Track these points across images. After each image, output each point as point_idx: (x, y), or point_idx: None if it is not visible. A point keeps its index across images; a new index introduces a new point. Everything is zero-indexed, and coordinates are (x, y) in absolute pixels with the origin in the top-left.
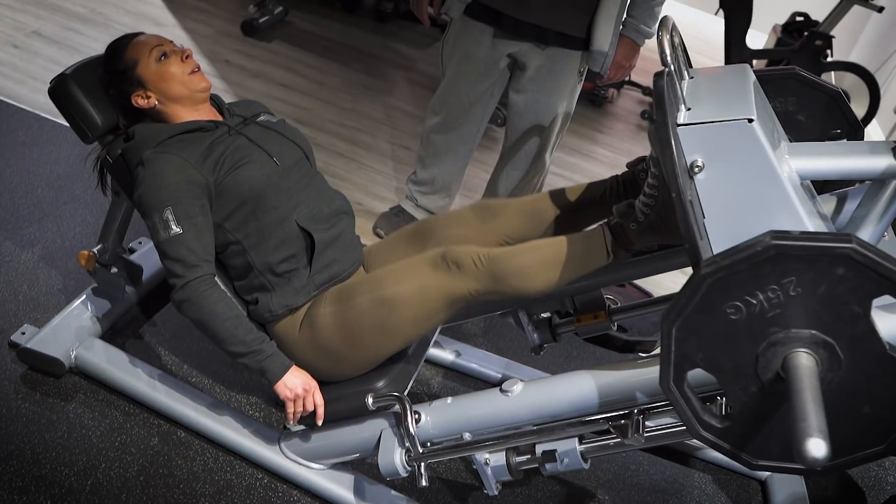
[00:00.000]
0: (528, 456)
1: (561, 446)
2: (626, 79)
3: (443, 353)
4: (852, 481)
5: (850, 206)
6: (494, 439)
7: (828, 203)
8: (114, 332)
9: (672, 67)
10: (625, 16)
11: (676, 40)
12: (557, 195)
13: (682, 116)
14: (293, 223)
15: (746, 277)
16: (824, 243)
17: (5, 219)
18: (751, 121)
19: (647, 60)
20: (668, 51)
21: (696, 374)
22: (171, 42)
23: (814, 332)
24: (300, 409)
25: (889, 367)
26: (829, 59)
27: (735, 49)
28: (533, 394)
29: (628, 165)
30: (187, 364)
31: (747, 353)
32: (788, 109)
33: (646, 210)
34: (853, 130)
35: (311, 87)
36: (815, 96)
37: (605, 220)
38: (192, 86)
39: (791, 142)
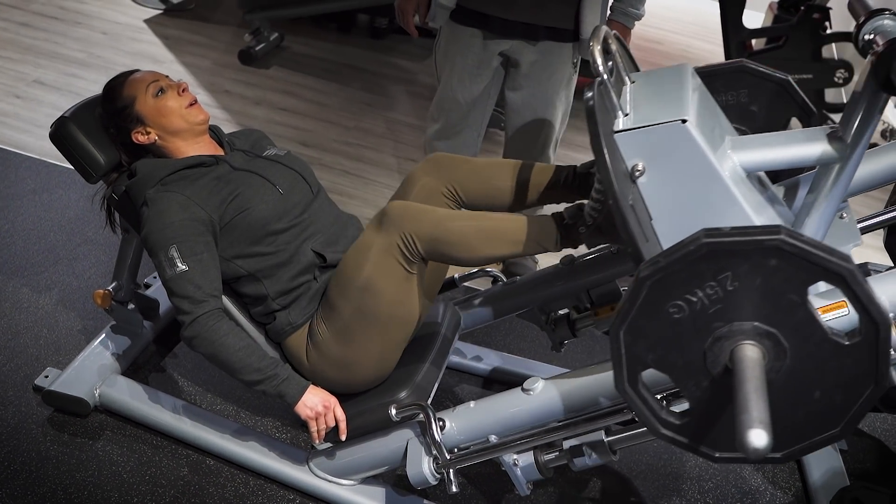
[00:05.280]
0: (556, 453)
1: (588, 440)
2: None
3: (463, 359)
4: (890, 452)
5: (802, 192)
6: (521, 439)
7: (783, 191)
8: (135, 368)
9: (605, 77)
10: (612, 0)
11: (613, 47)
12: (517, 167)
13: (620, 123)
14: (308, 252)
15: (684, 277)
16: (754, 237)
17: (21, 266)
18: (685, 121)
19: (645, 51)
20: (599, 60)
21: (655, 373)
22: (167, 77)
23: (756, 323)
24: (323, 426)
25: (833, 351)
26: (828, 32)
27: (732, 30)
28: (554, 390)
29: (582, 166)
30: (210, 392)
31: (695, 349)
32: (741, 101)
33: (594, 213)
34: (806, 115)
35: (313, 108)
36: (765, 86)
37: (558, 214)
38: (190, 119)
39: (747, 133)
